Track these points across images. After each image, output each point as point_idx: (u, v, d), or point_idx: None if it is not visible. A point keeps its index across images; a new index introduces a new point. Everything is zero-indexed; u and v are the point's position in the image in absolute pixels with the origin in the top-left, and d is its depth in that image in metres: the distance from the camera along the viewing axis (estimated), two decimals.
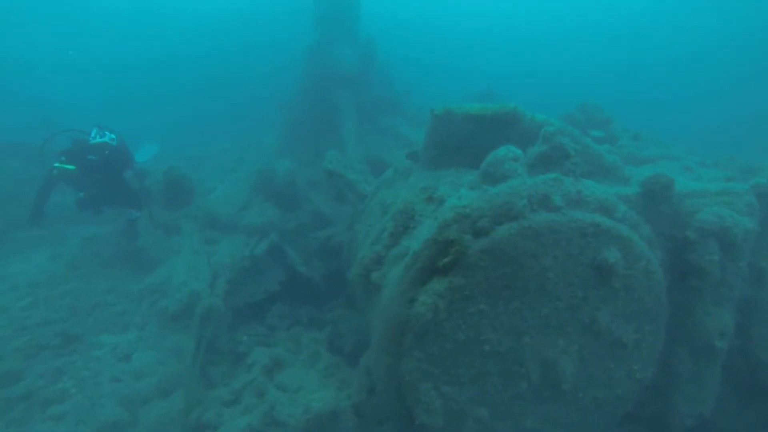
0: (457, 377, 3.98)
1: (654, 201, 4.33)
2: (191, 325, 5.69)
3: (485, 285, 3.71)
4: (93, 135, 7.96)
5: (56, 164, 7.41)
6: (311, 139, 12.24)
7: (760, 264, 4.64)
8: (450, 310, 3.71)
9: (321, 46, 11.42)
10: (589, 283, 3.93)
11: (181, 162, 11.02)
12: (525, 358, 4.03)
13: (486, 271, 3.69)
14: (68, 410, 4.93)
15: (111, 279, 7.23)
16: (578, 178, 4.04)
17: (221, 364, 6.20)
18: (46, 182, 7.49)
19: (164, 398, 5.07)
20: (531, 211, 3.75)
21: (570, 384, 3.96)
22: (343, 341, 7.43)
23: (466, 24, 31.64)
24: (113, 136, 8.14)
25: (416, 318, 3.76)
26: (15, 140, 11.15)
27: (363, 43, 12.01)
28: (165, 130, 17.05)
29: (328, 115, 11.84)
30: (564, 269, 3.84)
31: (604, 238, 3.76)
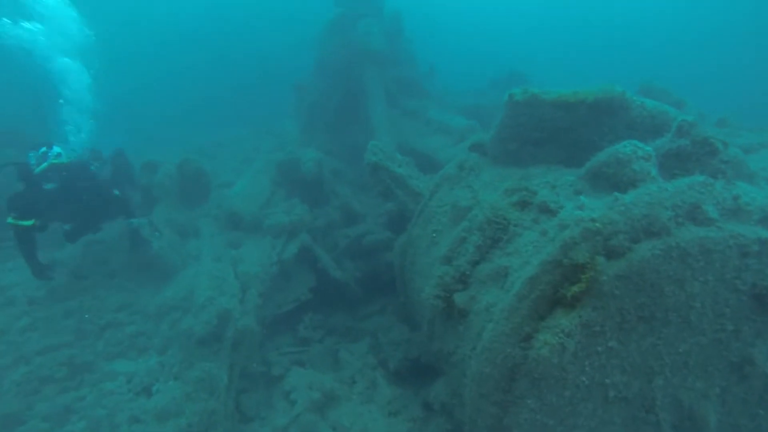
0: (574, 429, 3.40)
1: None
2: (222, 350, 5.07)
3: (618, 318, 3.12)
4: (33, 162, 6.70)
5: (9, 220, 6.28)
6: (333, 123, 11.53)
7: None
8: (577, 350, 3.11)
9: (345, 20, 10.63)
10: (743, 314, 3.34)
11: (192, 151, 10.32)
12: (656, 403, 3.44)
13: (620, 301, 3.10)
14: None
15: (122, 292, 6.53)
16: (731, 181, 3.38)
17: (254, 391, 5.63)
18: (19, 242, 6.41)
19: None
20: (677, 226, 3.12)
21: None
22: (386, 356, 6.91)
23: (484, 3, 30.62)
24: (58, 150, 6.92)
25: (536, 362, 3.15)
26: (8, 128, 10.37)
27: (388, 18, 11.22)
28: (173, 116, 16.25)
29: (352, 97, 11.10)
30: (714, 297, 3.25)
31: None
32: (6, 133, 10.05)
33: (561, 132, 4.63)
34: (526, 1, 32.63)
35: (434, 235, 5.20)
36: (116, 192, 7.36)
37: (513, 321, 3.28)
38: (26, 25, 8.87)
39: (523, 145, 4.92)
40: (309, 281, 7.65)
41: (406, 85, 11.95)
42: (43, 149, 6.85)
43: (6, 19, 8.76)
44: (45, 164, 6.65)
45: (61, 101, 8.22)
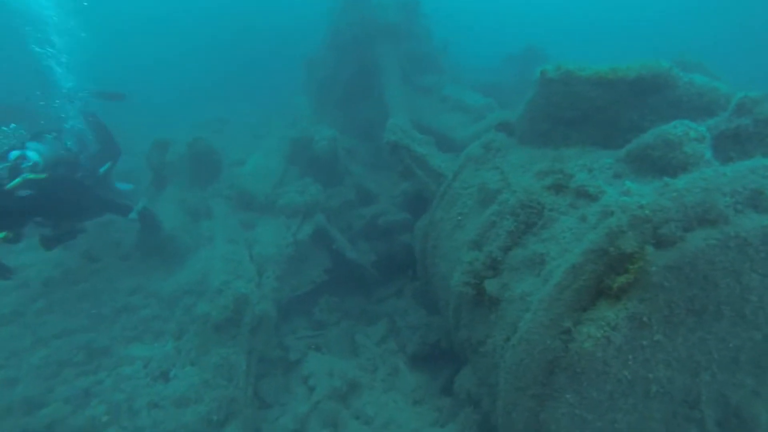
0: (613, 424, 3.29)
1: None
2: (239, 336, 4.98)
3: (666, 311, 2.98)
4: (5, 175, 5.73)
5: None
6: (345, 100, 11.27)
7: None
8: (622, 344, 2.98)
9: None
10: None
11: (200, 128, 10.15)
12: (701, 399, 3.32)
13: (670, 294, 2.96)
14: None
15: (135, 275, 6.43)
16: None
17: (271, 376, 5.58)
18: None
19: None
20: (736, 213, 2.95)
21: None
22: (404, 339, 6.84)
23: None
24: (34, 157, 6.01)
25: (578, 355, 3.03)
26: (12, 102, 10.14)
27: None
28: (181, 92, 15.98)
29: (365, 73, 10.81)
30: None
31: None
32: (11, 108, 9.81)
33: (597, 111, 4.41)
34: None
35: (459, 218, 5.04)
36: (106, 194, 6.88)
37: (553, 312, 3.14)
38: None
39: (555, 124, 4.70)
40: (324, 263, 7.55)
41: (420, 61, 11.61)
42: (16, 154, 5.92)
43: None
44: (18, 180, 5.73)
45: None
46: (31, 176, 5.81)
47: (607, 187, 3.67)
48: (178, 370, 4.97)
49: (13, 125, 6.31)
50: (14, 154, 5.89)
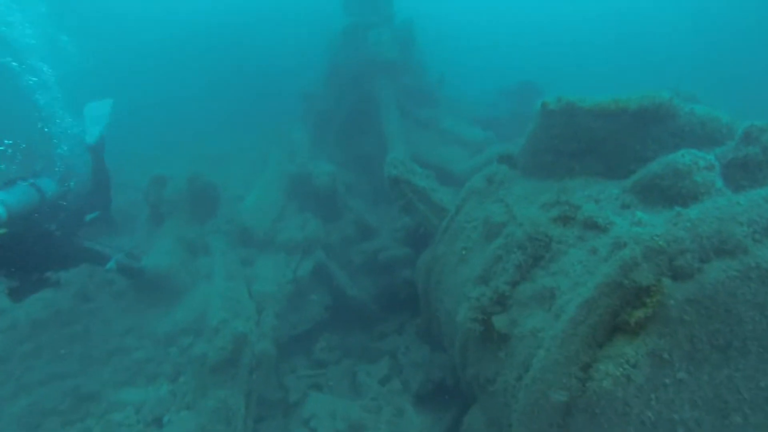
0: None
1: None
2: (238, 377, 4.79)
3: (688, 346, 2.85)
4: None
5: None
6: (343, 134, 11.34)
7: None
8: (643, 383, 2.84)
9: (356, 29, 10.49)
10: None
11: (198, 162, 10.12)
12: None
13: (691, 328, 2.84)
14: None
15: (129, 315, 6.24)
16: None
17: (271, 419, 5.36)
18: None
19: None
20: (754, 243, 2.87)
21: None
22: (408, 377, 6.65)
23: (491, 13, 30.68)
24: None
25: (596, 394, 2.88)
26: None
27: (399, 27, 11.08)
28: (176, 127, 16.07)
29: (363, 107, 10.91)
30: None
31: None
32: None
33: (600, 142, 4.40)
34: (534, 11, 32.71)
35: (464, 252, 4.95)
36: (84, 243, 6.26)
37: (568, 349, 3.01)
38: None
39: (558, 156, 4.68)
40: (324, 300, 7.41)
41: (417, 95, 11.78)
42: None
43: None
44: None
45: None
46: None
47: (616, 218, 3.61)
48: (172, 415, 4.76)
49: None
50: None
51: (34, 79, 8.04)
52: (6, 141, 6.11)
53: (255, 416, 5.07)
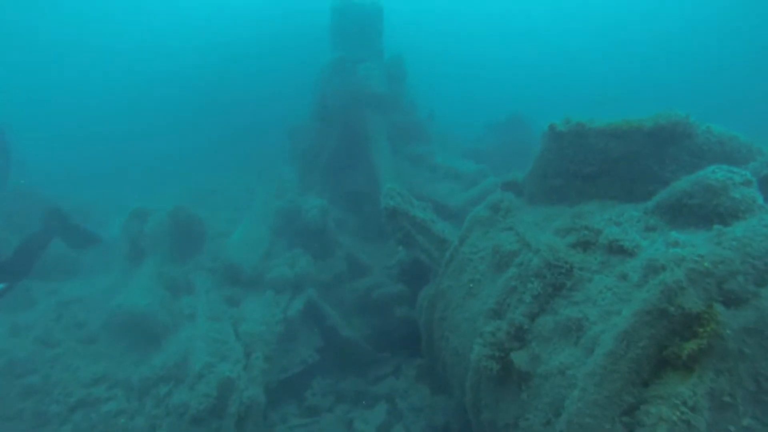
0: None
1: None
2: (223, 428, 4.26)
3: (752, 386, 2.52)
4: None
5: None
6: (330, 171, 11.09)
7: None
8: (706, 430, 2.47)
9: (345, 64, 10.43)
10: None
11: (182, 199, 9.67)
12: None
13: (753, 363, 2.51)
14: None
15: (100, 362, 5.53)
16: None
17: None
18: None
19: None
20: None
21: None
22: (408, 423, 6.16)
23: (476, 50, 31.66)
24: None
25: None
26: None
27: (389, 62, 11.08)
28: (160, 161, 15.72)
29: (352, 142, 10.72)
30: None
31: None
32: None
33: (614, 164, 4.17)
34: (520, 47, 33.80)
35: (471, 285, 4.60)
36: None
37: (608, 388, 2.64)
38: None
39: (569, 180, 4.44)
40: (315, 341, 6.93)
41: (407, 131, 11.65)
42: None
43: None
44: None
45: None
46: None
47: (643, 241, 3.32)
48: None
49: None
50: None
51: None
52: None
53: None
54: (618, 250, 3.38)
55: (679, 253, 2.70)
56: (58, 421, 4.68)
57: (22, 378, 5.30)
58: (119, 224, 8.06)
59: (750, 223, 2.72)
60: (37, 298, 7.50)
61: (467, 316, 4.53)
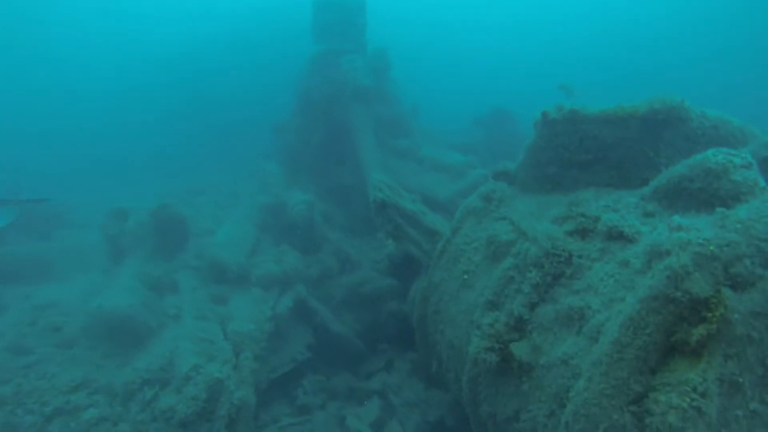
0: None
1: None
2: None
3: (761, 369, 2.47)
4: None
5: None
6: (316, 166, 10.93)
7: None
8: (716, 415, 2.41)
9: (328, 56, 10.26)
10: None
11: (164, 197, 9.40)
12: None
13: (761, 347, 2.46)
14: None
15: (79, 367, 5.15)
16: None
17: None
18: None
19: None
20: None
21: None
22: (402, 418, 6.07)
23: (460, 42, 31.65)
24: None
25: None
26: None
27: (372, 54, 10.93)
28: (140, 160, 15.34)
29: (336, 137, 10.57)
30: None
31: None
32: None
33: (609, 150, 4.12)
34: (505, 38, 33.91)
35: (466, 277, 4.51)
36: None
37: (615, 376, 2.57)
38: None
39: (563, 168, 4.38)
40: (305, 338, 6.79)
41: (391, 125, 11.54)
42: None
43: None
44: None
45: None
46: None
47: (643, 227, 3.27)
48: None
49: None
50: None
51: None
52: None
53: None
54: (617, 236, 3.32)
55: (683, 238, 2.64)
56: (36, 430, 4.42)
57: None
58: (100, 226, 7.80)
59: (753, 205, 2.67)
60: (8, 304, 7.18)
61: (462, 308, 4.45)
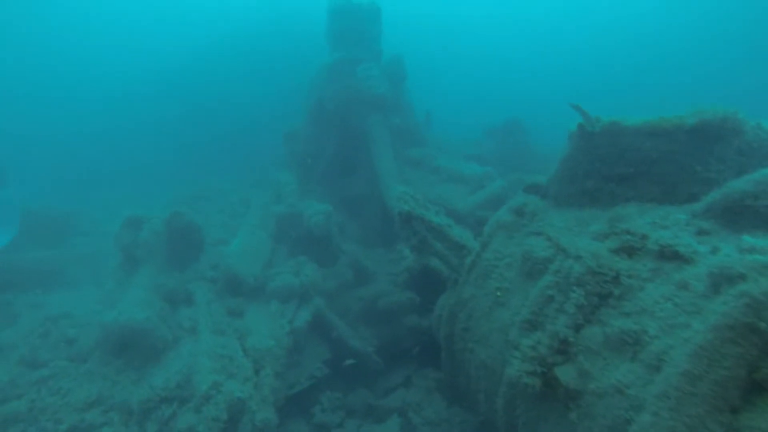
0: None
1: None
2: None
3: None
4: None
5: None
6: (328, 175, 10.74)
7: None
8: None
9: (344, 64, 10.11)
10: None
11: (175, 206, 9.22)
12: None
13: None
14: None
15: (94, 382, 4.96)
16: None
17: None
18: None
19: None
20: None
21: None
22: None
23: (470, 51, 31.54)
24: None
25: None
26: None
27: (388, 63, 10.78)
28: (149, 166, 15.15)
29: (351, 145, 10.39)
30: None
31: None
32: None
33: (652, 164, 3.91)
34: (516, 47, 33.77)
35: (499, 294, 4.31)
36: None
37: (688, 413, 2.36)
38: None
39: (602, 182, 4.17)
40: (322, 352, 6.57)
41: (405, 134, 11.36)
42: None
43: None
44: None
45: None
46: None
47: (700, 247, 3.06)
48: None
49: None
50: None
51: None
52: None
53: None
54: (671, 256, 3.12)
55: (759, 260, 2.44)
56: None
57: (5, 404, 4.78)
58: (110, 233, 7.62)
59: None
60: (20, 313, 7.00)
61: (496, 326, 4.24)
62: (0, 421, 4.52)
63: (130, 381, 4.99)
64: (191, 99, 17.89)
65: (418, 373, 7.03)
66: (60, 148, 19.18)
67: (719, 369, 2.33)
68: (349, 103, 9.95)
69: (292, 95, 12.78)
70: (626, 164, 4.02)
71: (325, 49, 11.14)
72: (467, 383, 4.78)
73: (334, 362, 6.56)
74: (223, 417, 4.02)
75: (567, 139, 4.47)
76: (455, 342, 4.85)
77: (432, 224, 5.47)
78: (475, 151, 12.86)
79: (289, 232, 7.52)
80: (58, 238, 10.41)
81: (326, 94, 10.33)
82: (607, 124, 4.07)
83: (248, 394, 4.28)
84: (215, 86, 17.47)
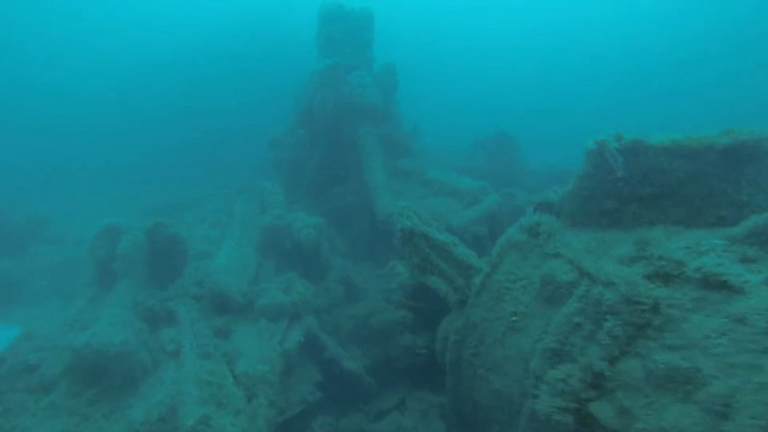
0: None
1: None
2: None
3: None
4: None
5: None
6: (315, 185, 10.40)
7: None
8: None
9: (336, 71, 9.81)
10: None
11: (152, 214, 8.74)
12: None
13: None
14: None
15: (59, 417, 4.34)
16: None
17: None
18: None
19: None
20: None
21: None
22: None
23: (455, 61, 31.69)
24: None
25: None
26: None
27: (380, 72, 10.54)
28: (125, 170, 14.45)
29: (339, 155, 10.08)
30: None
31: None
32: None
33: (679, 185, 3.74)
34: (505, 58, 34.07)
35: (514, 319, 4.05)
36: None
37: None
38: None
39: (623, 202, 3.98)
40: (313, 374, 6.20)
41: (394, 145, 11.12)
42: None
43: None
44: None
45: None
46: None
47: (751, 276, 2.87)
48: None
49: None
50: None
51: None
52: None
53: None
54: (718, 285, 2.91)
55: None
56: None
57: None
58: (80, 242, 7.10)
59: None
60: None
61: (512, 353, 3.98)
62: None
63: (102, 415, 4.47)
64: (172, 102, 17.31)
65: (413, 395, 6.74)
66: (29, 144, 18.20)
67: None
68: (340, 111, 9.67)
69: (278, 100, 12.43)
70: (650, 185, 3.85)
71: (313, 55, 10.85)
72: (475, 411, 4.50)
73: (325, 384, 6.21)
74: None
75: (585, 156, 4.28)
76: (463, 368, 4.57)
77: (436, 242, 5.21)
78: (466, 164, 12.73)
79: (283, 244, 7.14)
80: (18, 246, 9.74)
81: (316, 102, 10.01)
82: (629, 142, 3.90)
83: (242, 429, 3.90)
84: (198, 90, 16.95)
